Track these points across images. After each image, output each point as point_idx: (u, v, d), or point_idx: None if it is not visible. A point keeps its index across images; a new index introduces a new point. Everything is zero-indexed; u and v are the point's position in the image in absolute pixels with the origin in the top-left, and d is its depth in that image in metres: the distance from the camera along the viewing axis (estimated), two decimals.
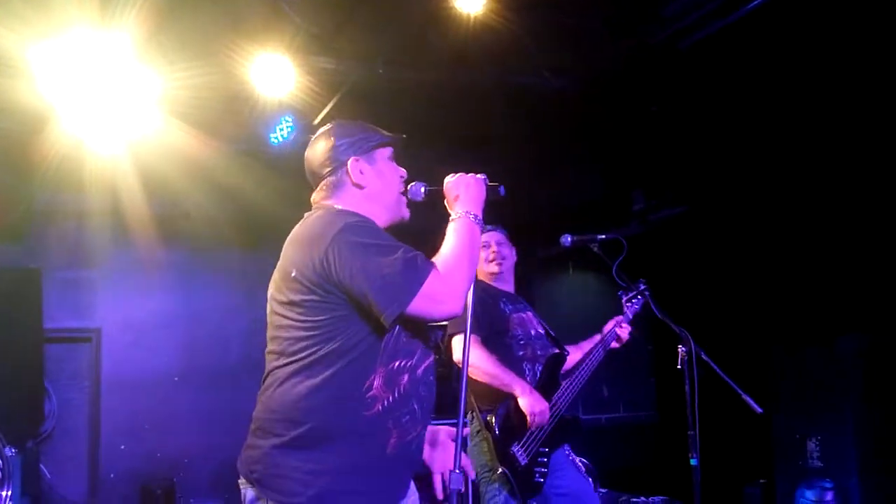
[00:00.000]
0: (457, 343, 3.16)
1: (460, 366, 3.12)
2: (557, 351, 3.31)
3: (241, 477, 1.80)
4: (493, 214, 3.57)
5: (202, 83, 4.23)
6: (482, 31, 3.92)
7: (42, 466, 5.20)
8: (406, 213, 2.00)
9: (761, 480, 4.63)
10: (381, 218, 1.92)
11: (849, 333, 4.38)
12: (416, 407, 1.77)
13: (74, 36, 3.65)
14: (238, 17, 3.94)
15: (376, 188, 1.94)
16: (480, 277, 3.40)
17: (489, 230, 3.41)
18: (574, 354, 3.36)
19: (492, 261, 3.39)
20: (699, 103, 4.80)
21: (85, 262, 5.77)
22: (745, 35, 3.99)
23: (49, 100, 3.91)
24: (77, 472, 5.75)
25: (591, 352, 3.31)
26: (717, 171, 5.41)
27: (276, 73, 4.13)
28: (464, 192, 1.91)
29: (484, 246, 3.36)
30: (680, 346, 2.79)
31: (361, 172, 1.92)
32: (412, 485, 1.88)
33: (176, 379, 5.85)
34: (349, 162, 1.92)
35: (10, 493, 4.14)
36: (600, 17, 4.08)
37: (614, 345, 3.38)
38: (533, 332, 3.30)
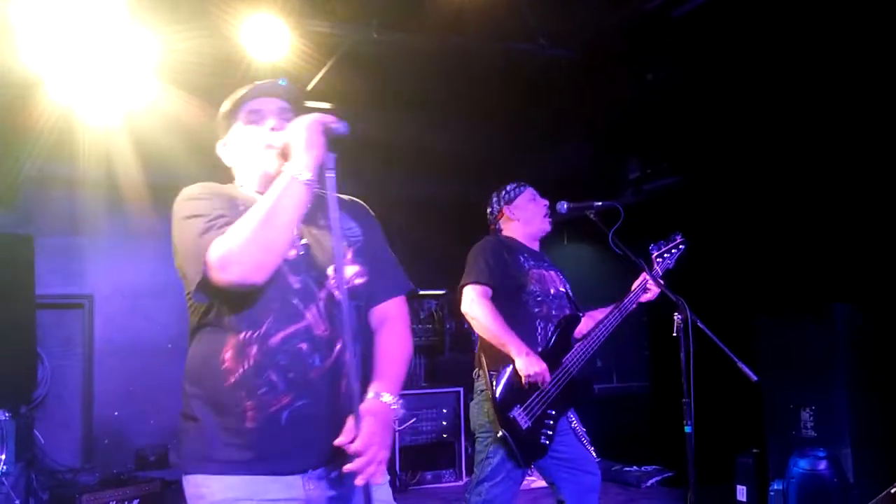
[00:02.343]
0: (466, 293, 3.13)
1: (467, 317, 3.14)
2: (573, 311, 3.27)
3: None
4: (492, 181, 3.55)
5: (194, 46, 4.16)
6: None
7: (36, 432, 5.21)
8: (271, 166, 1.81)
9: (754, 450, 4.66)
10: (255, 182, 1.88)
11: (843, 302, 4.38)
12: (274, 378, 1.69)
13: None
14: None
15: (240, 158, 1.95)
16: (522, 233, 3.36)
17: (523, 189, 3.38)
18: (586, 323, 3.29)
19: (547, 216, 3.37)
20: (693, 72, 4.75)
21: (77, 228, 5.74)
22: (740, 2, 3.94)
23: (36, 65, 3.84)
24: (70, 437, 5.77)
25: (606, 317, 3.22)
26: (712, 141, 5.38)
27: (269, 36, 4.05)
28: (294, 145, 1.71)
29: (539, 202, 3.36)
30: (676, 314, 2.77)
31: (224, 150, 1.99)
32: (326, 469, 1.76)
33: (169, 346, 5.84)
34: (219, 145, 2.01)
35: (3, 457, 4.16)
36: None
37: (643, 299, 3.25)
38: (552, 291, 3.24)
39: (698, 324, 2.77)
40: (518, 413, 3.00)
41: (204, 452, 1.73)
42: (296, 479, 1.73)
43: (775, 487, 4.29)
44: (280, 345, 1.71)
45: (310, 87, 4.71)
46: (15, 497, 4.33)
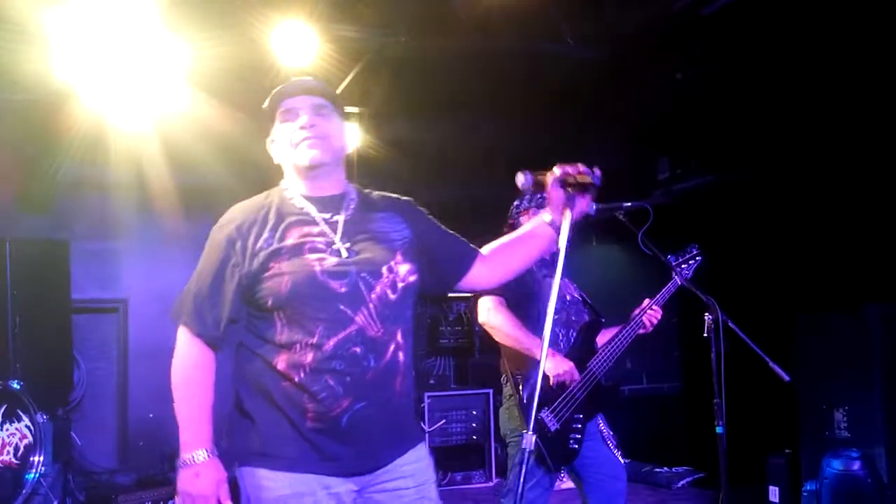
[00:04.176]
0: (482, 304, 3.13)
1: (486, 328, 3.14)
2: (593, 317, 3.26)
3: None
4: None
5: (224, 53, 4.21)
6: None
7: (73, 434, 5.31)
8: (302, 159, 1.88)
9: (787, 450, 4.61)
10: (297, 180, 1.93)
11: (876, 301, 4.31)
12: (332, 382, 1.73)
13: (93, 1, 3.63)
14: None
15: (280, 155, 1.96)
16: None
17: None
18: (605, 334, 3.27)
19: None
20: (723, 70, 4.70)
21: (111, 233, 5.84)
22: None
23: (70, 73, 3.92)
24: (106, 439, 5.87)
25: (622, 329, 3.21)
26: (743, 140, 5.32)
27: (298, 42, 4.09)
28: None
29: None
30: (706, 314, 2.75)
31: (271, 148, 2.00)
32: (399, 459, 1.84)
33: None
34: (268, 142, 2.01)
35: (41, 458, 4.24)
36: None
37: (642, 331, 3.23)
38: (568, 297, 3.24)
39: (729, 324, 2.75)
40: (546, 415, 3.00)
41: (265, 449, 1.77)
42: (355, 480, 1.78)
43: (808, 488, 4.24)
44: (334, 350, 1.74)
45: (338, 91, 4.75)
46: (53, 498, 4.42)
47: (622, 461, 3.23)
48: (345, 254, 1.81)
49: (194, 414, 1.78)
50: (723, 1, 3.94)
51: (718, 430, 2.69)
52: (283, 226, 1.82)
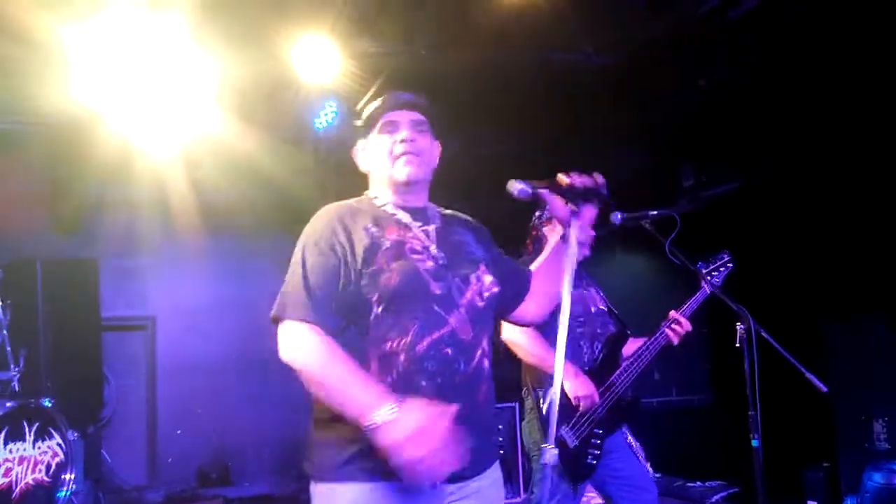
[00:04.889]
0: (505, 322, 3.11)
1: (509, 344, 3.11)
2: (619, 329, 3.22)
3: None
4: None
5: (247, 72, 4.26)
6: (524, 8, 3.85)
7: (103, 451, 5.35)
8: (399, 174, 1.91)
9: (825, 464, 4.48)
10: (387, 191, 1.95)
11: None
12: (423, 384, 1.72)
13: (116, 22, 3.69)
14: (281, 1, 3.94)
15: (373, 165, 1.98)
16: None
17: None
18: (631, 344, 3.21)
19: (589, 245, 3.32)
20: (748, 75, 4.64)
21: (138, 251, 5.91)
22: (800, 2, 3.84)
23: (94, 96, 3.98)
24: (136, 456, 5.91)
25: (648, 341, 3.13)
26: (769, 145, 5.23)
27: (319, 58, 4.12)
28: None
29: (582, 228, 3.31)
30: (738, 324, 2.69)
31: (361, 158, 2.02)
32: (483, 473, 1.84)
33: (229, 364, 5.95)
34: (356, 150, 2.03)
35: (73, 475, 4.26)
36: None
37: (669, 343, 3.13)
38: (593, 309, 3.21)
39: (762, 333, 2.68)
40: (565, 432, 2.99)
41: (352, 461, 1.72)
42: (442, 484, 1.74)
43: (849, 503, 4.12)
44: (427, 350, 1.75)
45: (359, 106, 4.76)
46: None
47: (652, 473, 3.16)
48: (440, 259, 1.85)
49: (359, 377, 1.68)
50: (748, 5, 3.89)
51: (754, 443, 2.62)
52: (382, 225, 1.86)
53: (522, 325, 2.06)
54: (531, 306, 2.09)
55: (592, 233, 3.31)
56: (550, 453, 2.90)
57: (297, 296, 1.76)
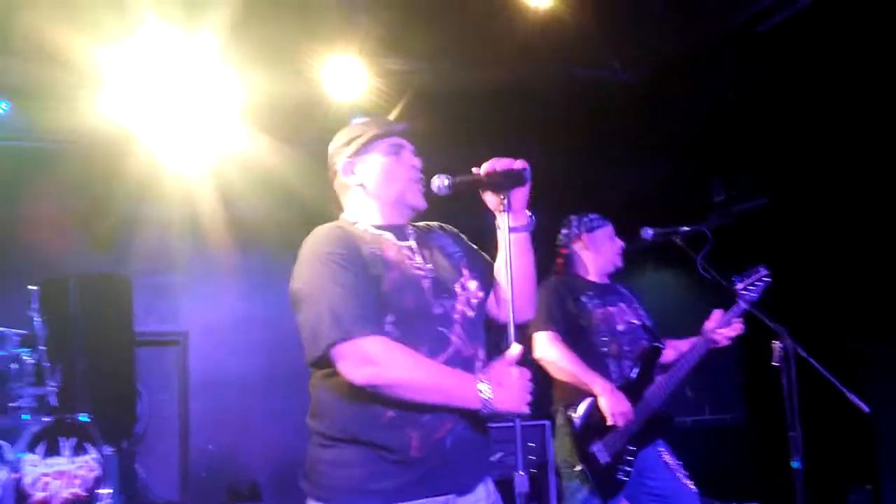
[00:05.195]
0: (537, 339, 3.08)
1: (541, 363, 3.08)
2: (651, 344, 3.16)
3: None
4: (570, 209, 3.48)
5: (275, 90, 4.30)
6: (549, 25, 3.85)
7: (136, 466, 5.39)
8: (415, 201, 1.92)
9: (867, 486, 4.35)
10: (374, 211, 1.91)
11: None
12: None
13: (148, 43, 3.77)
14: (310, 21, 3.99)
15: (376, 183, 1.92)
16: (594, 265, 3.29)
17: (605, 224, 3.31)
18: (669, 353, 3.17)
19: (620, 256, 3.30)
20: (777, 88, 4.57)
21: (170, 268, 5.97)
22: (832, 14, 3.77)
23: (127, 116, 4.06)
24: (168, 471, 5.95)
25: (689, 351, 3.10)
26: (801, 158, 5.13)
27: (347, 76, 4.16)
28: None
29: (616, 242, 3.29)
30: (775, 342, 2.62)
31: (353, 172, 1.94)
32: (479, 487, 1.84)
33: (261, 379, 5.97)
34: (342, 164, 1.95)
35: (109, 491, 4.29)
36: (671, 2, 3.95)
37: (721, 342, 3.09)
38: (620, 328, 3.14)
39: (800, 352, 2.61)
40: (598, 447, 2.96)
41: (357, 485, 1.70)
42: (453, 499, 1.76)
43: None
44: None
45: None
46: None
47: (693, 489, 3.09)
48: (431, 273, 1.83)
49: (441, 367, 1.72)
50: (778, 17, 3.84)
51: (795, 464, 2.54)
52: (379, 245, 1.83)
53: (497, 322, 2.00)
54: (492, 301, 2.01)
55: (621, 242, 3.28)
56: (577, 468, 2.86)
57: (331, 318, 1.68)
